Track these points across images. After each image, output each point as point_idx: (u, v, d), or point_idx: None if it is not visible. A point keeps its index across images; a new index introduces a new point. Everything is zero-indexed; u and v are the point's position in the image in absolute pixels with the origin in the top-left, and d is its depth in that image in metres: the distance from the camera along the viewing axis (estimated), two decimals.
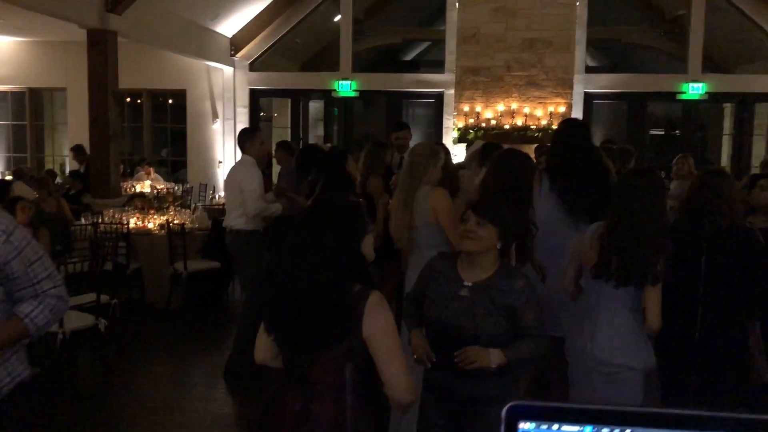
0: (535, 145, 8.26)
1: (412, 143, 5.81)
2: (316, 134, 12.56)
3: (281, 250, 2.17)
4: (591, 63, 12.45)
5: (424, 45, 15.30)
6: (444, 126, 11.06)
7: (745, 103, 11.01)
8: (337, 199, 2.65)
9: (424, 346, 2.62)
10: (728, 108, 11.98)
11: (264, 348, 2.17)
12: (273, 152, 7.29)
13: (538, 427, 0.61)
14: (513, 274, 2.60)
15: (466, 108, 10.31)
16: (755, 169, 9.74)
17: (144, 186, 9.61)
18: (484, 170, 4.62)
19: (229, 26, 11.18)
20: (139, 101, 12.10)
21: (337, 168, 4.77)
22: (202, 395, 4.87)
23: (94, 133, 8.04)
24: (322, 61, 12.86)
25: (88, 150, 8.76)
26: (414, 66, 14.43)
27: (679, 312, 3.01)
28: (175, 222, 7.08)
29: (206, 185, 11.19)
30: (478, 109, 10.27)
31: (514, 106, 10.19)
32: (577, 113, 10.45)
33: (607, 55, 14.54)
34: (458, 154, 9.20)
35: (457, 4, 10.50)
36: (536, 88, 10.20)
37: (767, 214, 3.90)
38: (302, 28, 11.73)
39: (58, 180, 10.32)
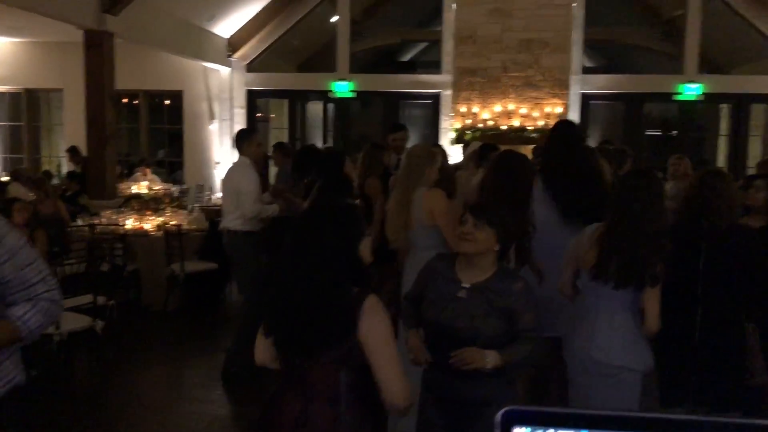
0: (533, 146, 8.27)
1: (409, 144, 5.82)
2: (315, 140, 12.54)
3: (279, 252, 2.17)
4: (588, 64, 12.47)
5: (421, 46, 15.30)
6: (441, 127, 11.07)
7: (742, 103, 11.04)
8: (335, 201, 2.65)
9: (420, 346, 2.64)
10: (725, 109, 12.01)
11: (264, 349, 2.17)
12: (270, 153, 7.31)
13: None
14: (511, 276, 2.61)
15: (463, 109, 10.32)
16: (751, 170, 9.76)
17: (141, 187, 9.59)
18: (481, 171, 4.64)
19: (226, 27, 11.17)
20: (135, 102, 12.07)
21: (335, 169, 4.78)
22: (200, 396, 4.86)
23: (91, 134, 8.02)
24: (319, 61, 12.85)
25: (84, 151, 8.75)
26: (411, 67, 14.44)
27: (678, 313, 3.02)
28: (172, 223, 7.07)
29: (203, 186, 11.18)
30: (475, 110, 10.28)
31: (511, 107, 10.20)
32: (574, 114, 10.47)
33: (604, 55, 14.56)
34: (456, 155, 9.20)
35: (453, 5, 10.51)
36: (533, 89, 10.22)
37: (762, 214, 3.92)
38: (299, 29, 11.73)
39: (55, 181, 10.31)
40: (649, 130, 12.83)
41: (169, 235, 6.77)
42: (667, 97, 10.89)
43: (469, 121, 10.23)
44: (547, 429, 0.61)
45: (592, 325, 2.91)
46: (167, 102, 12.20)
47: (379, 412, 2.06)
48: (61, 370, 4.96)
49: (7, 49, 11.74)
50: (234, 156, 5.49)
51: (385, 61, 14.20)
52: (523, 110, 10.15)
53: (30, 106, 12.29)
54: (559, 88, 10.21)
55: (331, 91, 11.34)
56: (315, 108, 12.97)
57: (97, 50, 7.80)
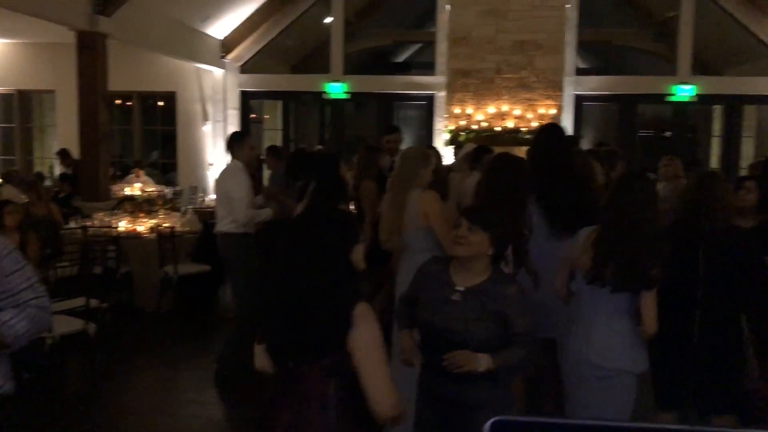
0: (527, 148, 8.27)
1: (403, 146, 5.83)
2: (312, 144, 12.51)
3: (273, 257, 2.15)
4: (581, 65, 12.50)
5: (415, 47, 15.32)
6: (435, 128, 11.07)
7: (734, 105, 11.08)
8: (329, 206, 2.65)
9: (412, 347, 2.67)
10: (717, 110, 12.06)
11: (263, 355, 2.16)
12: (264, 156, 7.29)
13: None
14: (505, 280, 2.62)
15: (457, 110, 10.32)
16: (744, 171, 9.80)
17: (134, 189, 9.56)
18: (475, 173, 4.65)
19: (219, 28, 11.14)
20: (128, 103, 12.03)
21: (330, 172, 4.75)
22: (193, 398, 4.85)
23: (84, 136, 7.99)
24: (313, 63, 12.84)
25: (75, 153, 8.70)
26: (405, 68, 14.45)
27: (676, 315, 3.02)
28: (165, 225, 7.05)
29: (196, 188, 11.14)
30: (469, 111, 10.29)
31: (504, 108, 10.21)
32: (568, 115, 10.49)
33: (598, 57, 14.60)
34: (448, 156, 9.19)
35: (447, 7, 10.52)
36: (527, 90, 10.23)
37: (753, 215, 3.93)
38: (293, 30, 11.71)
39: (47, 183, 10.25)
40: (643, 131, 12.88)
41: (162, 237, 6.75)
42: (660, 98, 10.92)
43: (463, 123, 10.23)
44: None
45: (588, 327, 2.91)
46: (160, 103, 12.16)
47: (372, 419, 2.05)
48: (53, 374, 4.93)
49: (0, 51, 11.69)
50: (228, 157, 5.47)
51: (379, 62, 14.20)
52: (517, 111, 10.16)
53: (22, 107, 12.24)
54: (553, 89, 10.23)
55: (325, 92, 11.33)
56: (309, 109, 12.94)
57: (90, 51, 7.77)
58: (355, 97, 11.72)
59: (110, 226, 6.92)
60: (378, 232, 4.25)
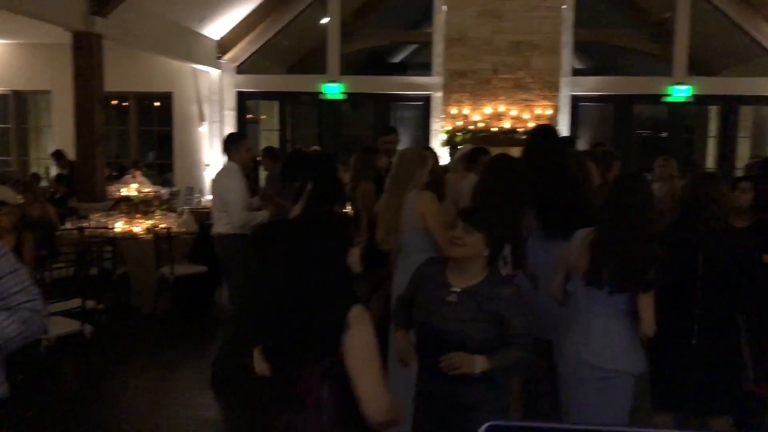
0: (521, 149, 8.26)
1: (400, 147, 5.82)
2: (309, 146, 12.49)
3: (270, 259, 2.14)
4: (577, 66, 12.52)
5: (412, 48, 15.31)
6: (432, 129, 11.08)
7: (730, 105, 11.12)
8: (326, 209, 2.65)
9: (407, 347, 2.68)
10: (713, 110, 12.09)
11: (263, 358, 2.15)
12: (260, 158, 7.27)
13: None
14: (501, 281, 2.62)
15: (453, 111, 10.33)
16: (740, 171, 9.83)
17: (130, 189, 9.54)
18: (472, 174, 4.65)
19: (216, 29, 11.13)
20: (125, 104, 12.01)
21: (327, 174, 4.73)
22: (190, 399, 4.83)
23: (80, 137, 7.97)
24: (309, 63, 12.84)
25: (70, 154, 8.67)
26: (402, 68, 14.45)
27: (675, 315, 3.02)
28: (162, 226, 7.03)
29: (193, 188, 11.13)
30: (466, 111, 10.30)
31: (501, 108, 10.22)
32: (564, 116, 10.51)
33: (594, 57, 14.62)
34: (444, 157, 9.20)
35: (444, 7, 10.52)
36: (523, 91, 10.24)
37: (747, 215, 3.95)
38: (290, 31, 11.70)
39: (43, 183, 10.23)
40: (639, 131, 12.89)
41: (158, 238, 6.73)
42: (656, 98, 10.95)
43: (459, 123, 10.24)
44: None
45: (586, 329, 2.91)
46: (157, 104, 12.14)
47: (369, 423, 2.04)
48: (49, 375, 4.92)
49: None
50: (223, 159, 5.46)
51: (375, 62, 14.20)
52: (514, 112, 10.17)
53: (18, 108, 12.21)
54: (549, 90, 10.24)
55: (321, 93, 11.33)
56: (305, 110, 12.93)
57: (86, 52, 7.75)
58: (352, 97, 11.72)
59: (106, 227, 6.90)
60: (375, 233, 4.24)
